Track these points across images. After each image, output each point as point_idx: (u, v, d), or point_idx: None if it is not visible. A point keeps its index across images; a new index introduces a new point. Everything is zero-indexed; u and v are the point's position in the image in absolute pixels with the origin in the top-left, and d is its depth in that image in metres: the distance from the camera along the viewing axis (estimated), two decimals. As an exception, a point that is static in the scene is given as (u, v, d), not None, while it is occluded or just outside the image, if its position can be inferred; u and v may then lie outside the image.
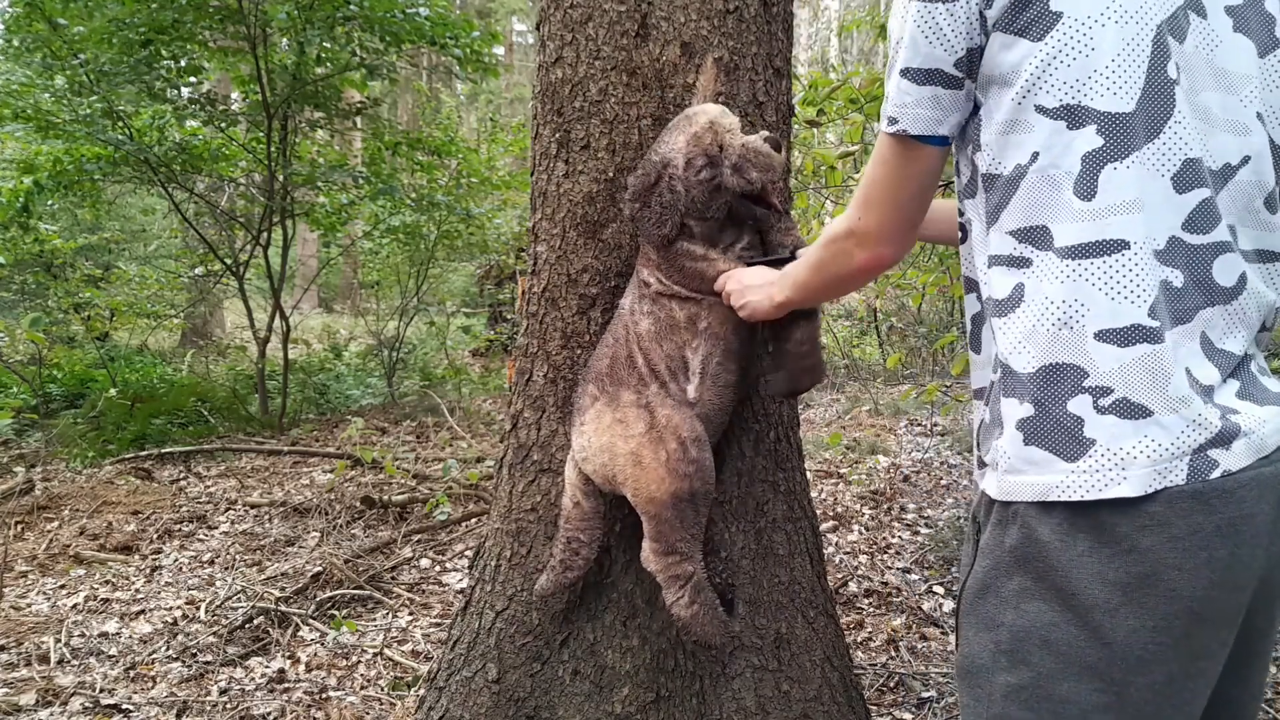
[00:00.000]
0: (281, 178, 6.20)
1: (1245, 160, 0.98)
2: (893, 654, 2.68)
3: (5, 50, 6.18)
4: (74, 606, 3.19)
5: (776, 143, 1.58)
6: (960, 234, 1.10)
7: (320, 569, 3.35)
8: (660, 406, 1.61)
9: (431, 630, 2.95)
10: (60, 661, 2.74)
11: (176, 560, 3.68)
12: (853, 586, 3.19)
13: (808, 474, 2.43)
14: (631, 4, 1.74)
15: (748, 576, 1.85)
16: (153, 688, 2.58)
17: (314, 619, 3.00)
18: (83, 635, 2.93)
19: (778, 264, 1.56)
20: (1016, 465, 0.97)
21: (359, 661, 2.72)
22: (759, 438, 1.88)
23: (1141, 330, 0.91)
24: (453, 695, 1.91)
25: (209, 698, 2.50)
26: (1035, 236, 0.96)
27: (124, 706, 2.46)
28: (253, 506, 4.35)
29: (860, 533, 3.80)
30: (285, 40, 6.11)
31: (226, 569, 3.56)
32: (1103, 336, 0.92)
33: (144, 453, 5.30)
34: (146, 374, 7.23)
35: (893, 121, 1.02)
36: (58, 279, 7.55)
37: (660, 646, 1.82)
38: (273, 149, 6.09)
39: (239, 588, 3.24)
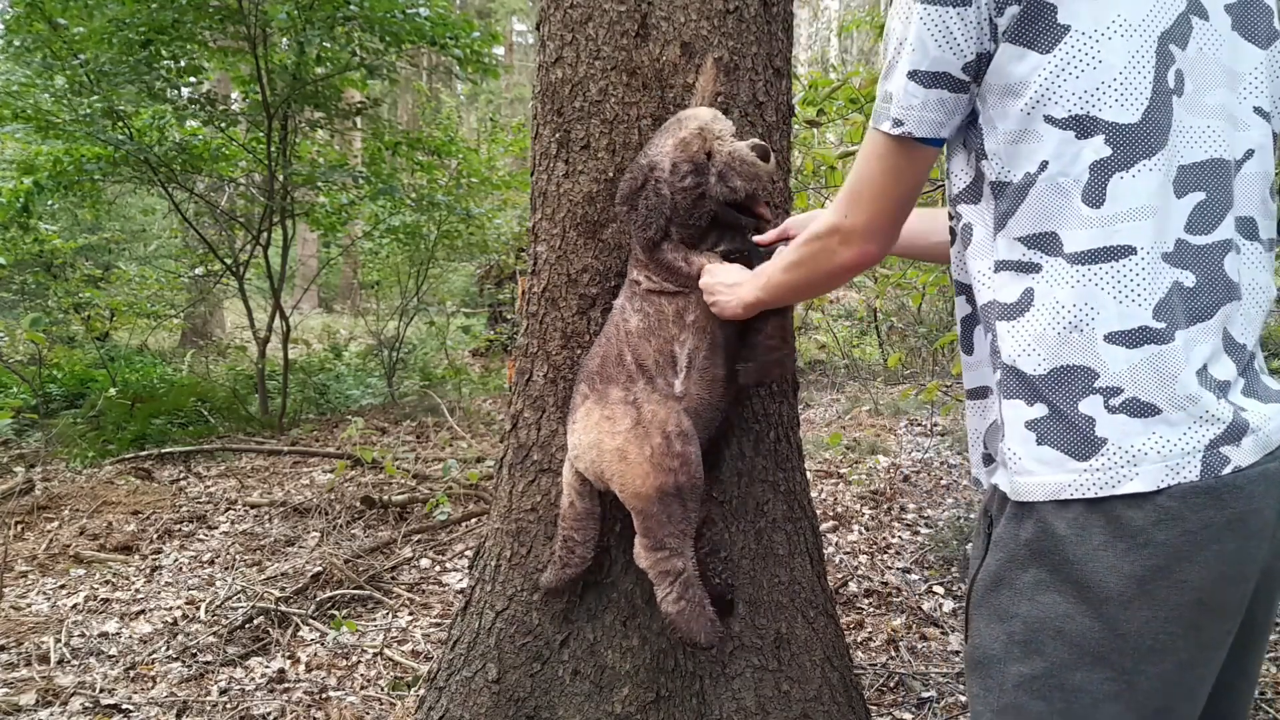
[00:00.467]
0: (281, 178, 6.20)
1: (1250, 154, 1.01)
2: (893, 654, 2.68)
3: (5, 50, 6.18)
4: (74, 606, 3.19)
5: (766, 151, 1.58)
6: (951, 237, 1.11)
7: (320, 569, 3.35)
8: (646, 402, 1.61)
9: (431, 630, 2.95)
10: (60, 661, 2.74)
11: (176, 560, 3.67)
12: (853, 586, 3.19)
13: (808, 474, 2.43)
14: (631, 4, 1.74)
15: (748, 576, 1.85)
16: (153, 688, 2.58)
17: (314, 619, 3.00)
18: (83, 635, 2.93)
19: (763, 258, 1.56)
20: (1029, 466, 0.99)
21: (359, 661, 2.72)
22: (759, 438, 1.88)
23: (1148, 332, 0.94)
24: (453, 695, 1.91)
25: (209, 698, 2.50)
26: (1045, 243, 0.97)
27: (124, 706, 2.46)
28: (253, 506, 4.35)
29: (860, 533, 3.80)
30: (285, 40, 6.11)
31: (226, 569, 3.56)
32: (1112, 338, 0.94)
33: (144, 453, 5.30)
34: (146, 374, 7.23)
35: (898, 123, 1.03)
36: (58, 279, 7.55)
37: (660, 646, 1.82)
38: (273, 149, 6.09)
39: (239, 588, 3.24)
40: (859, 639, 2.77)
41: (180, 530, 4.05)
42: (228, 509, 4.34)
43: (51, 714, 2.42)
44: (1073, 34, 0.93)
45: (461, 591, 3.17)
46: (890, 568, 3.39)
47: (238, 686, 2.57)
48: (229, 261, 6.80)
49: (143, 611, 3.14)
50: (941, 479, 4.61)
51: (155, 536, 3.96)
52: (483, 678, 1.88)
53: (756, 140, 1.59)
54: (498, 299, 9.79)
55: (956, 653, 2.68)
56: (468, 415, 6.56)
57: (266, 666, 2.69)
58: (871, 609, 3.02)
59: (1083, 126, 0.94)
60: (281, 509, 4.25)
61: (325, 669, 2.68)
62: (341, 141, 9.70)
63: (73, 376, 6.84)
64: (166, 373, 7.59)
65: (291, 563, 3.53)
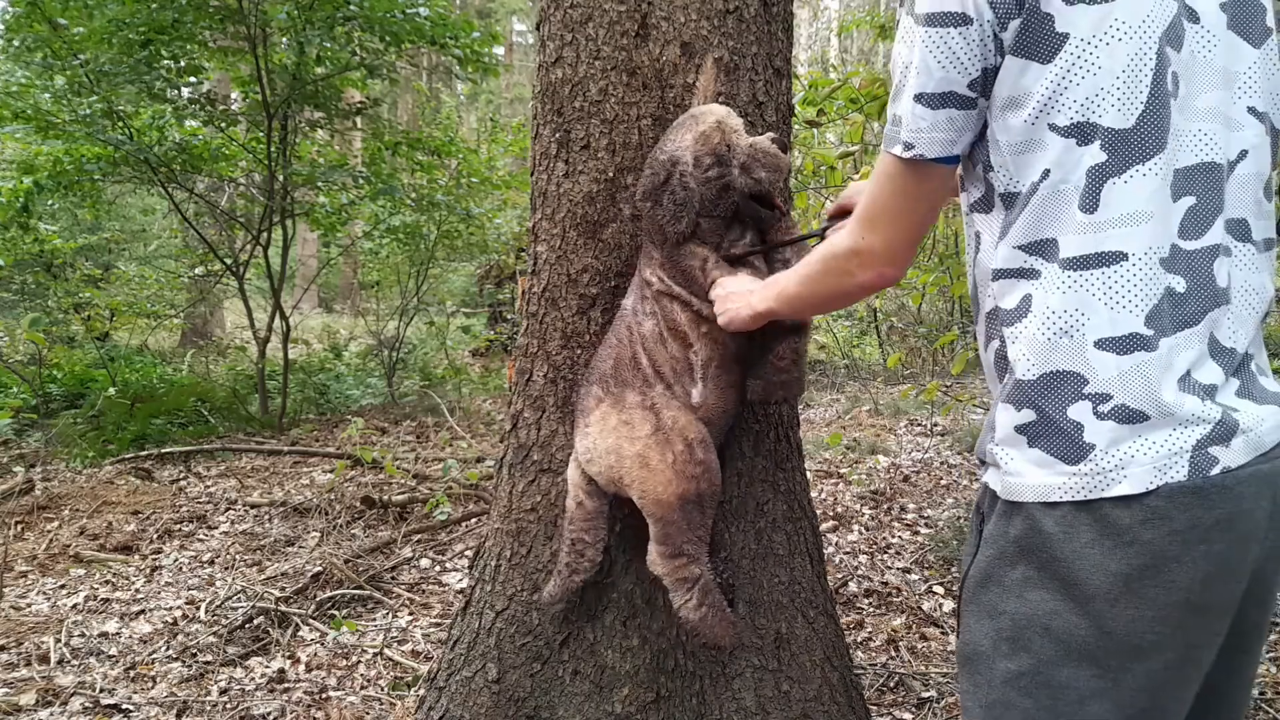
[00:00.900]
0: (281, 178, 6.20)
1: (1243, 154, 1.00)
2: (893, 654, 2.68)
3: (5, 50, 6.18)
4: (74, 606, 3.19)
5: (783, 144, 1.59)
6: (970, 246, 1.12)
7: (320, 569, 3.35)
8: (666, 408, 1.60)
9: (431, 630, 2.95)
10: (60, 661, 2.74)
11: (176, 560, 3.67)
12: (853, 586, 3.19)
13: (808, 474, 2.43)
14: (631, 4, 1.74)
15: (748, 576, 1.85)
16: (153, 688, 2.58)
17: (314, 619, 3.00)
18: (83, 635, 2.93)
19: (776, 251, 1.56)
20: (1019, 467, 1.00)
21: (359, 661, 2.72)
22: (759, 438, 1.88)
23: (1139, 339, 0.94)
24: (453, 695, 1.91)
25: (209, 698, 2.50)
26: (1044, 249, 0.98)
27: (124, 706, 2.46)
28: (253, 506, 4.35)
29: (860, 533, 3.80)
30: (285, 40, 6.11)
31: (226, 569, 3.56)
32: (1102, 345, 0.95)
33: (144, 453, 5.30)
34: (146, 374, 7.23)
35: (909, 146, 1.03)
36: (58, 279, 7.55)
37: (660, 646, 1.82)
38: (273, 149, 6.09)
39: (239, 588, 3.24)
40: (859, 639, 2.77)
41: (180, 530, 4.05)
42: (228, 509, 4.34)
43: (51, 714, 2.42)
44: (1071, 42, 0.93)
45: (461, 591, 3.17)
46: (890, 568, 3.39)
47: (238, 686, 2.57)
48: (229, 261, 6.79)
49: (143, 611, 3.14)
50: (941, 479, 4.61)
51: (155, 536, 3.96)
52: (483, 678, 1.88)
53: (772, 134, 1.59)
54: (498, 299, 9.79)
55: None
56: (468, 415, 6.57)
57: (266, 666, 2.69)
58: (871, 609, 3.02)
59: (1083, 133, 0.94)
60: (281, 509, 4.25)
61: (325, 669, 2.68)
62: (341, 141, 9.69)
63: (73, 376, 6.84)
64: (166, 373, 7.59)
65: (291, 563, 3.53)
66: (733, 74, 1.78)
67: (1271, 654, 2.54)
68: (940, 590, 3.16)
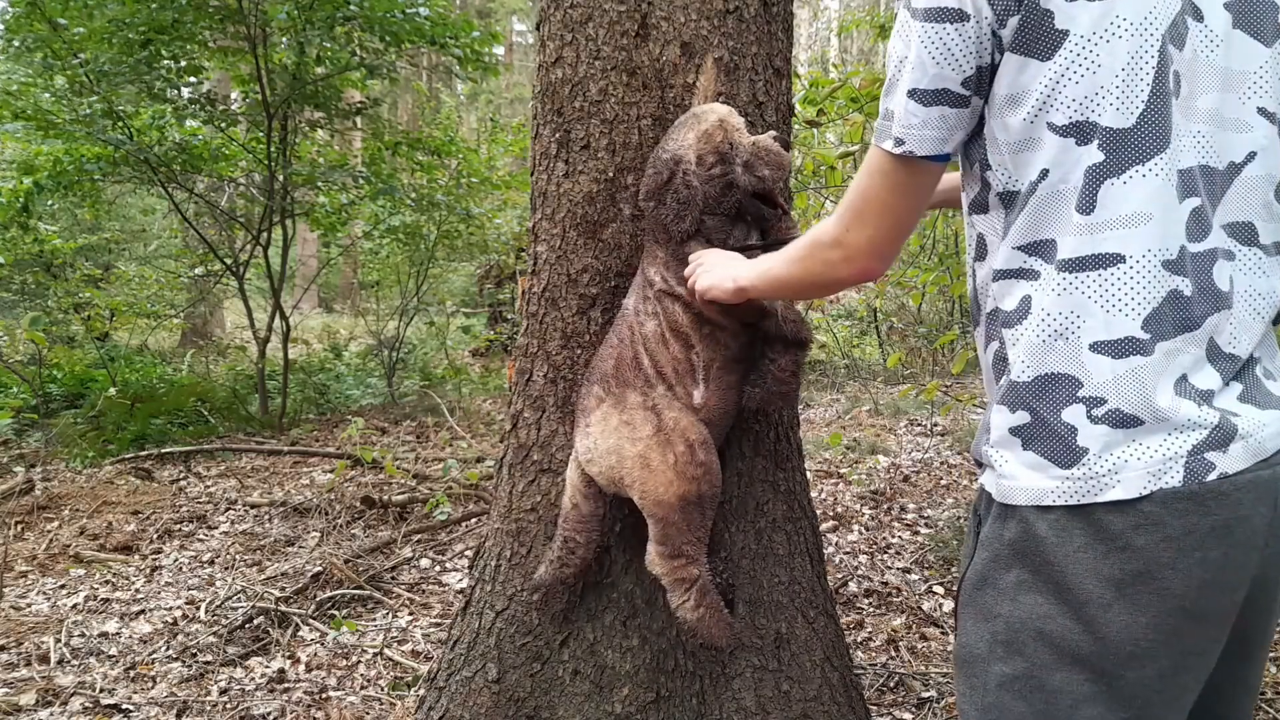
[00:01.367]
0: (281, 178, 6.20)
1: (1251, 156, 0.98)
2: (893, 654, 2.68)
3: (5, 50, 6.18)
4: (74, 606, 3.19)
5: (786, 142, 1.59)
6: (970, 246, 1.11)
7: (320, 569, 3.35)
8: (667, 409, 1.60)
9: (431, 630, 2.95)
10: (60, 661, 2.74)
11: (176, 560, 3.67)
12: (853, 586, 3.19)
13: (808, 474, 2.43)
14: (631, 4, 1.74)
15: (748, 576, 1.85)
16: (153, 688, 2.58)
17: (314, 619, 3.00)
18: (83, 635, 2.93)
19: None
20: (1013, 470, 0.99)
21: (359, 661, 2.72)
22: (759, 438, 1.88)
23: (1134, 342, 0.93)
24: (453, 695, 1.91)
25: (209, 698, 2.50)
26: (1043, 250, 0.97)
27: (124, 706, 2.46)
28: (253, 506, 4.35)
29: (860, 533, 3.80)
30: (285, 40, 6.11)
31: (226, 569, 3.56)
32: (1097, 348, 0.93)
33: (144, 453, 5.30)
34: (146, 374, 7.23)
35: (899, 142, 1.02)
36: (58, 279, 7.55)
37: (660, 646, 1.82)
38: (273, 149, 6.09)
39: (239, 588, 3.24)
40: (859, 639, 2.77)
41: (180, 530, 4.05)
42: (228, 509, 4.34)
43: (51, 714, 2.42)
44: (1071, 39, 0.91)
45: (461, 591, 3.17)
46: (890, 568, 3.39)
47: (238, 686, 2.57)
48: (229, 261, 6.79)
49: (143, 611, 3.14)
50: (941, 479, 4.61)
51: (155, 536, 3.96)
52: (483, 678, 1.88)
53: (774, 133, 1.59)
54: (498, 299, 9.79)
55: (956, 653, 2.68)
56: (468, 415, 6.56)
57: (266, 666, 2.69)
58: (871, 609, 3.02)
59: (1082, 133, 0.93)
60: (281, 509, 4.25)
61: (325, 669, 2.68)
62: (341, 141, 9.70)
63: (73, 376, 6.84)
64: (166, 373, 7.58)
65: (291, 563, 3.53)
66: (733, 74, 1.78)
67: (1272, 654, 2.54)
68: (940, 590, 3.16)
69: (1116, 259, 0.92)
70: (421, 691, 2.10)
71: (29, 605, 3.21)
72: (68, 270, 7.84)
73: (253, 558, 3.68)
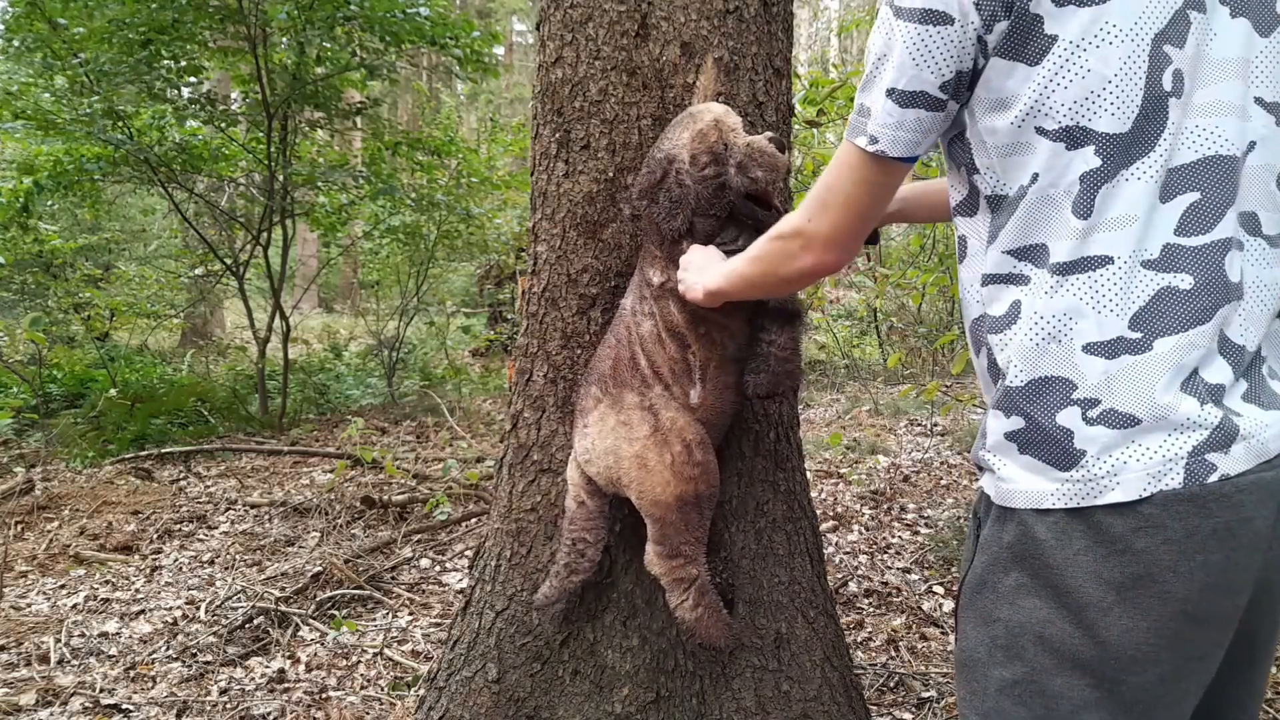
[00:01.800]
0: (281, 178, 6.20)
1: (1252, 146, 0.97)
2: (893, 654, 2.68)
3: (5, 50, 6.18)
4: (74, 606, 3.19)
5: (781, 143, 1.58)
6: (958, 251, 1.10)
7: (320, 569, 3.35)
8: (664, 409, 1.60)
9: (431, 630, 2.95)
10: (60, 661, 2.74)
11: (176, 560, 3.67)
12: (853, 586, 3.19)
13: (808, 474, 2.43)
14: (631, 4, 1.74)
15: (748, 576, 1.85)
16: (153, 688, 2.58)
17: (314, 619, 3.00)
18: (83, 635, 2.93)
19: None
20: (1011, 474, 0.98)
21: (359, 661, 2.72)
22: (759, 438, 1.88)
23: (1125, 342, 0.92)
24: (453, 695, 1.91)
25: (209, 698, 2.50)
26: (1034, 254, 0.97)
27: (124, 706, 2.46)
28: (253, 506, 4.35)
29: (860, 533, 3.80)
30: (285, 40, 6.11)
31: (226, 569, 3.56)
32: (1090, 349, 0.93)
33: (144, 453, 5.30)
34: (146, 374, 7.23)
35: (873, 140, 1.02)
36: (58, 279, 7.55)
37: (660, 646, 1.82)
38: (273, 149, 6.09)
39: (239, 588, 3.24)
40: (859, 639, 2.77)
41: (180, 530, 4.05)
42: (228, 509, 4.34)
43: (51, 714, 2.42)
44: (1060, 44, 0.91)
45: (461, 591, 3.17)
46: (890, 568, 3.39)
47: (238, 686, 2.57)
48: (229, 261, 6.79)
49: (143, 611, 3.14)
50: (941, 479, 4.61)
51: (155, 536, 3.96)
52: (483, 678, 1.88)
53: (771, 134, 1.59)
54: (498, 299, 9.78)
55: (956, 653, 2.68)
56: (468, 415, 6.56)
57: (266, 666, 2.69)
58: (871, 609, 3.02)
59: (1073, 138, 0.93)
60: (281, 509, 4.25)
61: (325, 669, 2.68)
62: (341, 141, 9.70)
63: (73, 376, 6.84)
64: (166, 373, 7.58)
65: (291, 563, 3.53)
66: (733, 74, 1.78)
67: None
68: (940, 590, 3.16)
69: (1105, 260, 0.92)
70: (421, 691, 2.10)
71: (29, 605, 3.21)
72: (68, 270, 7.84)
73: (253, 558, 3.68)
